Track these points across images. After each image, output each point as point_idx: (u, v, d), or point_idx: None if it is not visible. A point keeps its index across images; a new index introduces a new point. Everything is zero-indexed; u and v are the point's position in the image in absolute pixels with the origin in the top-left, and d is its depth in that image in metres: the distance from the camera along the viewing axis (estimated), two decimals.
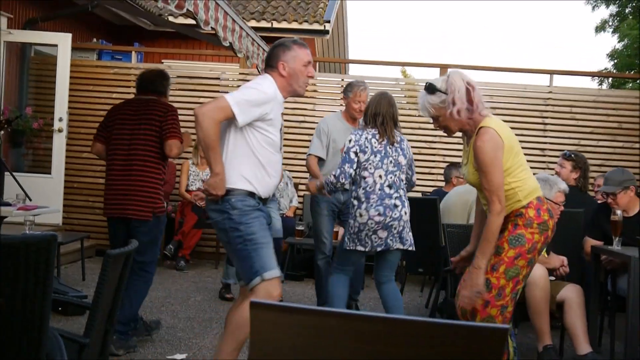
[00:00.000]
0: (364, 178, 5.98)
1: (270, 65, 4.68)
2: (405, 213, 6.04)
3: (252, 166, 4.47)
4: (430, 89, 4.58)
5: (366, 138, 5.98)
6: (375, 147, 6.00)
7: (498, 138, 4.44)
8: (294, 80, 4.66)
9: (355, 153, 5.95)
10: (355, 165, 5.95)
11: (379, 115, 6.11)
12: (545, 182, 6.25)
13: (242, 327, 4.42)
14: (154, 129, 5.88)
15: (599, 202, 8.47)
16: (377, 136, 6.03)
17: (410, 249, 6.13)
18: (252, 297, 4.33)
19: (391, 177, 6.03)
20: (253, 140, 4.46)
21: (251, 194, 4.46)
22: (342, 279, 6.26)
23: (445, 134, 4.83)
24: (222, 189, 4.35)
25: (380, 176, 6.00)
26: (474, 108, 4.53)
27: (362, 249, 5.98)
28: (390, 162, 6.04)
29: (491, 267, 4.53)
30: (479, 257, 4.48)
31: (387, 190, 5.99)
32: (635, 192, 6.66)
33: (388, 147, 6.04)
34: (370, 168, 5.97)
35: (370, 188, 5.97)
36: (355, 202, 6.02)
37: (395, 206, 5.95)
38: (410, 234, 6.15)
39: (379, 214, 5.89)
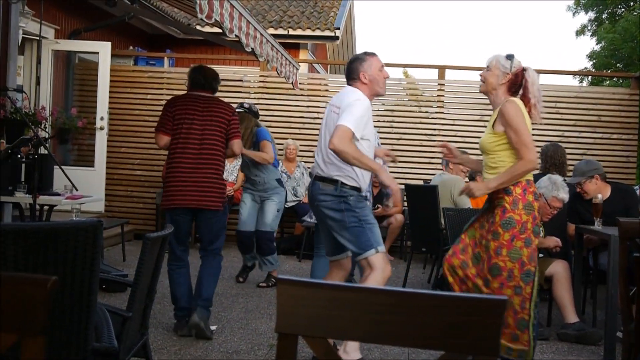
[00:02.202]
0: None
1: (352, 78, 4.97)
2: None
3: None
4: (509, 56, 4.85)
5: None
6: None
7: (521, 109, 4.67)
8: (375, 84, 4.94)
9: None
10: None
11: None
12: (553, 184, 6.24)
13: None
14: (223, 126, 5.64)
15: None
16: None
17: None
18: (373, 266, 4.73)
19: None
20: (361, 147, 4.67)
21: (358, 189, 4.84)
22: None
23: (481, 91, 5.00)
24: (389, 184, 4.64)
25: None
26: (521, 92, 4.87)
27: None
28: None
29: (494, 252, 4.58)
30: (493, 180, 4.65)
31: None
32: (603, 179, 6.64)
33: None
34: None
35: None
36: None
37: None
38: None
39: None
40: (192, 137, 5.60)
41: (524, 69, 4.82)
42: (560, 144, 7.93)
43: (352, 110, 4.61)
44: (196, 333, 5.52)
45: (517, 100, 4.72)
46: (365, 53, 5.02)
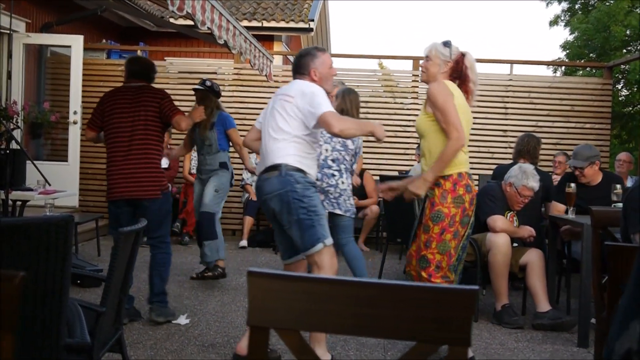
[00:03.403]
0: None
1: (301, 73, 4.78)
2: (342, 183, 6.19)
3: (305, 149, 4.64)
4: (446, 43, 4.80)
5: None
6: None
7: (448, 89, 4.61)
8: (324, 82, 4.78)
9: None
10: None
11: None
12: (523, 172, 6.29)
13: None
14: (154, 112, 5.70)
15: (554, 174, 8.59)
16: None
17: (346, 214, 6.24)
18: (320, 265, 4.56)
19: (335, 154, 6.24)
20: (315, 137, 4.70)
21: (303, 172, 4.60)
22: None
23: (423, 80, 4.95)
24: (382, 135, 4.73)
25: (326, 150, 6.21)
26: (460, 78, 4.79)
27: None
28: (338, 141, 6.19)
29: (424, 244, 4.68)
30: (429, 172, 4.63)
31: (329, 162, 6.19)
32: (599, 166, 6.75)
33: None
34: (321, 141, 5.97)
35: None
36: None
37: (333, 175, 6.15)
38: (350, 202, 6.27)
39: (317, 179, 5.95)
40: (122, 130, 5.72)
41: (462, 54, 4.79)
42: (534, 133, 7.98)
43: (322, 96, 4.53)
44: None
45: (447, 82, 4.70)
46: (316, 49, 4.87)
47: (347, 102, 6.25)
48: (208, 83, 7.46)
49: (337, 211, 6.17)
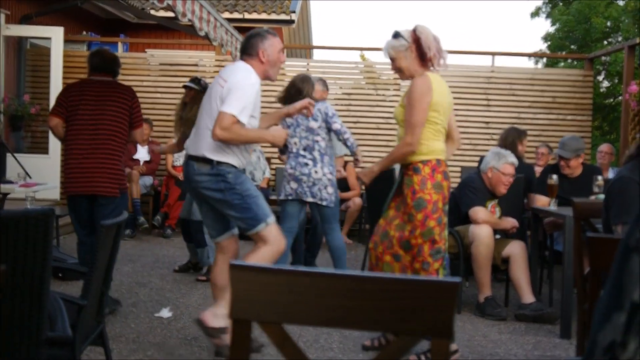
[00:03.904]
0: (288, 145, 6.49)
1: (249, 53, 4.64)
2: (316, 172, 6.32)
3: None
4: (395, 34, 4.66)
5: None
6: (289, 122, 6.39)
7: (430, 87, 4.51)
8: (271, 66, 4.67)
9: None
10: None
11: (289, 93, 6.35)
12: (497, 154, 6.33)
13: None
14: (123, 110, 5.63)
15: (537, 165, 8.63)
16: None
17: (322, 203, 6.35)
18: (265, 240, 4.58)
19: (305, 142, 6.44)
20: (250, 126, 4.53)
21: (233, 165, 4.55)
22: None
23: (403, 78, 4.83)
24: (281, 142, 4.74)
25: (295, 142, 6.45)
26: (427, 61, 4.61)
27: (275, 197, 6.13)
28: (302, 129, 6.38)
29: (409, 232, 4.64)
30: (376, 164, 4.94)
31: (301, 152, 6.42)
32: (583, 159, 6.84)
33: (299, 118, 6.30)
34: (289, 138, 6.32)
35: (290, 151, 6.49)
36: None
37: (306, 164, 6.36)
38: (326, 191, 6.33)
39: (291, 168, 6.36)
40: (86, 123, 5.61)
41: (414, 31, 4.62)
42: (516, 125, 8.02)
43: (240, 94, 4.41)
44: None
45: (432, 75, 4.58)
46: (267, 31, 4.73)
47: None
48: (203, 83, 7.28)
49: (310, 199, 6.32)
